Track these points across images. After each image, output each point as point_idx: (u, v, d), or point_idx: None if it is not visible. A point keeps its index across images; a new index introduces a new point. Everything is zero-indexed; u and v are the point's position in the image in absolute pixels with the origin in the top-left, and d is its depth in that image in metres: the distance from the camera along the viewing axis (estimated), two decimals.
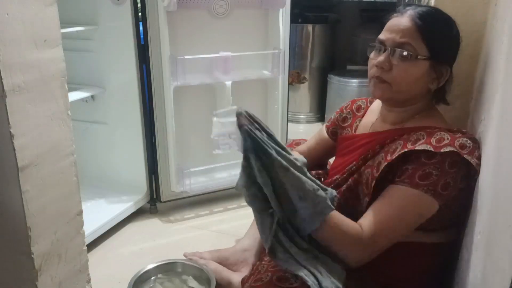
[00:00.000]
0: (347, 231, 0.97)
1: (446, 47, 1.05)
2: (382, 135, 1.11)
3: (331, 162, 1.33)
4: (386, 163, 1.03)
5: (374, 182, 1.04)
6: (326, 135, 1.35)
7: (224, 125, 0.99)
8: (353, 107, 1.29)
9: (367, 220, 0.99)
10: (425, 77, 1.04)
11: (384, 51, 1.05)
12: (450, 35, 1.05)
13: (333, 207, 0.97)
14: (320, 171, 1.39)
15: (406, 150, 1.00)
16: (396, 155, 1.01)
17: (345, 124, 1.28)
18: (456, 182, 0.97)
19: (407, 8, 1.05)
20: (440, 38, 1.03)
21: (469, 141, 0.97)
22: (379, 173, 1.03)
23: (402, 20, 1.03)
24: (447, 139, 0.97)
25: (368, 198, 1.06)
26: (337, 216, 0.98)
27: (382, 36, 1.06)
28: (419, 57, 1.01)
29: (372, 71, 1.08)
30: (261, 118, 0.98)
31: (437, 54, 1.02)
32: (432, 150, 0.97)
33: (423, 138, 1.00)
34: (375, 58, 1.06)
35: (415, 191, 0.96)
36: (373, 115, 1.21)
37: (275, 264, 1.01)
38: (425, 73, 1.03)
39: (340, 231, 0.97)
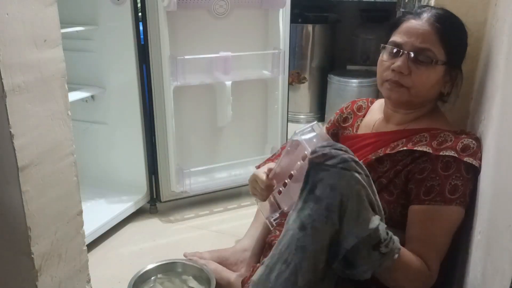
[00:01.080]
0: (414, 268, 0.93)
1: (460, 51, 1.05)
2: (386, 137, 1.11)
3: None
4: (382, 154, 1.04)
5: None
6: None
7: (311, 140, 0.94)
8: (354, 107, 1.29)
9: (424, 252, 0.95)
10: (441, 81, 1.04)
11: (401, 55, 1.02)
12: (464, 39, 1.05)
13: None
14: None
15: (405, 148, 1.01)
16: (395, 151, 1.02)
17: (346, 124, 1.28)
18: (475, 186, 0.98)
19: (422, 10, 1.03)
20: (456, 43, 1.03)
21: (473, 142, 0.97)
22: (374, 158, 1.05)
23: (420, 23, 1.01)
24: (450, 141, 0.98)
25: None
26: (404, 252, 0.91)
27: (399, 38, 1.03)
28: (438, 62, 1.00)
29: (386, 74, 1.05)
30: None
31: (453, 59, 1.02)
32: (431, 152, 0.97)
33: (425, 140, 1.00)
34: (390, 61, 1.04)
35: (449, 208, 0.96)
36: (375, 115, 1.21)
37: None
38: (441, 78, 1.03)
39: (406, 267, 0.92)
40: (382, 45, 1.07)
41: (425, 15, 1.01)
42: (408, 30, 1.02)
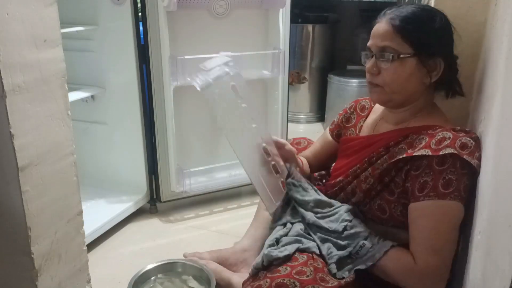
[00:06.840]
0: (400, 267, 0.99)
1: (430, 40, 1.05)
2: (385, 137, 1.11)
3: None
4: (386, 164, 1.05)
5: (372, 180, 1.07)
6: (330, 138, 1.35)
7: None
8: (357, 107, 1.29)
9: (413, 247, 0.99)
10: (416, 73, 1.05)
11: (371, 57, 1.08)
12: (432, 28, 1.05)
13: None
14: (323, 172, 1.39)
15: (405, 156, 1.01)
16: (395, 159, 1.03)
17: (349, 124, 1.29)
18: (470, 182, 0.98)
19: (387, 12, 1.08)
20: (420, 33, 1.04)
21: (471, 141, 0.97)
22: (379, 171, 1.05)
23: (381, 25, 1.06)
24: (449, 138, 0.98)
25: (359, 190, 1.09)
26: (389, 255, 1.00)
27: (368, 43, 1.10)
28: (401, 56, 1.03)
29: (366, 77, 1.11)
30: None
31: (422, 49, 1.03)
32: (430, 154, 0.97)
33: (424, 141, 1.00)
34: (366, 65, 1.10)
35: (444, 202, 0.96)
36: (376, 115, 1.21)
37: (273, 271, 1.01)
38: (415, 70, 1.04)
39: (392, 268, 0.99)
40: (362, 52, 1.14)
41: (387, 16, 1.06)
42: (373, 33, 1.09)
